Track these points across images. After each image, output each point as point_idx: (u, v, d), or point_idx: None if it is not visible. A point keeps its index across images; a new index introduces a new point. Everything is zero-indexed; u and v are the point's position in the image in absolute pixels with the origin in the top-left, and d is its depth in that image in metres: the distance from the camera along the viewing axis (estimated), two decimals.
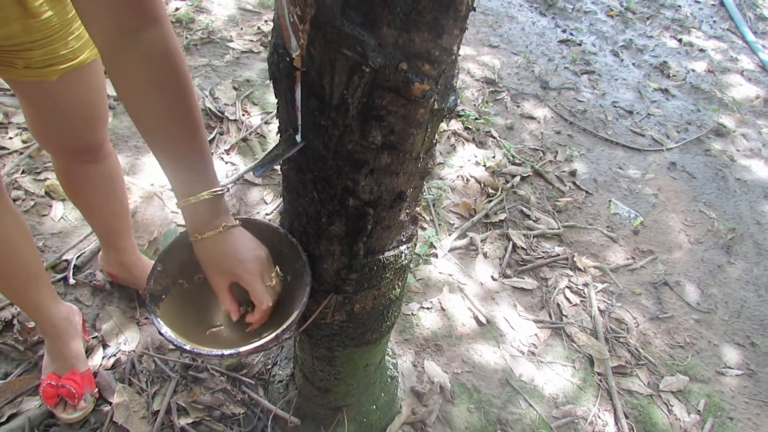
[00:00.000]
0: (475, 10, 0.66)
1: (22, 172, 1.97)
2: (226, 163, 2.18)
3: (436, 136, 0.81)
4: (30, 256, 1.21)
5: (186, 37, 2.60)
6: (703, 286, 2.20)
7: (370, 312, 1.04)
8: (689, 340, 2.01)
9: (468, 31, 3.30)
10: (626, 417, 1.73)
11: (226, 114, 2.31)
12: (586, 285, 2.07)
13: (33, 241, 1.25)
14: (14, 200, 1.86)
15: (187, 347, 0.80)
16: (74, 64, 0.99)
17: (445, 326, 1.86)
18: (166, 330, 0.81)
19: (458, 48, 0.69)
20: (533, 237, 2.19)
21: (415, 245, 0.99)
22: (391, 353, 1.57)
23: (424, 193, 2.21)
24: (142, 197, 2.01)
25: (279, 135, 0.79)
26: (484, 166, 2.44)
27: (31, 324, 1.58)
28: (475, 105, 2.73)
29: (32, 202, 1.89)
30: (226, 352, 0.79)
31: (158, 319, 0.83)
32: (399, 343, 1.80)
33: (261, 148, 2.24)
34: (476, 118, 2.62)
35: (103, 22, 0.71)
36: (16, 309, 1.59)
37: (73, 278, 1.70)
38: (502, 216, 2.24)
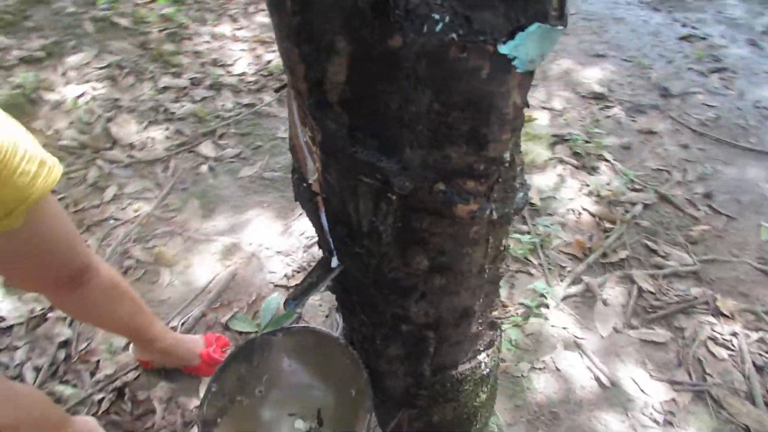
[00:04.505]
0: (528, 107, 0.51)
1: (134, 240, 2.08)
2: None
3: (505, 241, 0.66)
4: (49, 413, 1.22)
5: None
6: None
7: (452, 421, 0.90)
8: None
9: (568, 41, 3.03)
10: None
11: None
12: (734, 334, 1.73)
13: (46, 400, 1.24)
14: (125, 269, 1.97)
15: None
16: (31, 201, 0.92)
17: (562, 390, 1.64)
18: None
19: (514, 149, 0.55)
20: (662, 277, 1.89)
21: (499, 349, 0.84)
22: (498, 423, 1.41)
23: (529, 236, 2.01)
24: (242, 258, 2.03)
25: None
26: (598, 195, 2.18)
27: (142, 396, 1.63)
28: (582, 126, 2.47)
29: (143, 271, 1.98)
30: None
31: None
32: (508, 410, 1.62)
33: None
34: (585, 141, 2.36)
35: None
36: (127, 377, 1.66)
37: None
38: (623, 254, 1.97)
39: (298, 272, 1.98)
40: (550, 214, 2.13)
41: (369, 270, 0.60)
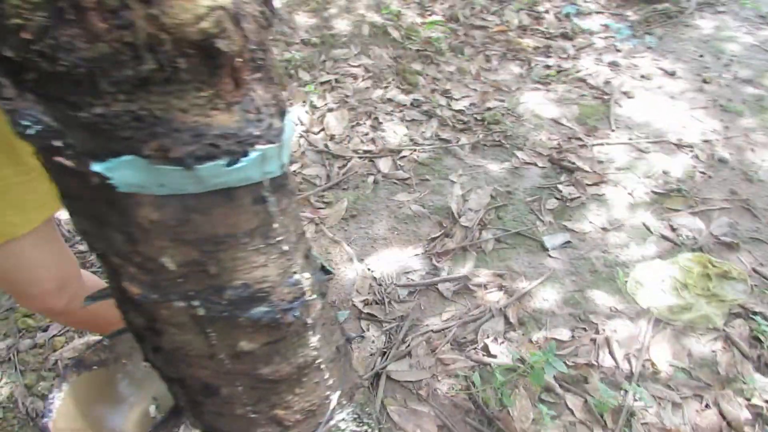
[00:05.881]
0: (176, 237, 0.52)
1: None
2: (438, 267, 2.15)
3: (249, 345, 0.65)
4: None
5: (478, 135, 2.69)
6: None
7: None
8: None
9: None
10: None
11: (461, 219, 2.29)
12: None
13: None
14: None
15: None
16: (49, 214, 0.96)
17: None
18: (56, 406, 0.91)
19: (188, 265, 0.56)
20: None
21: None
22: None
23: (622, 396, 1.68)
24: (347, 267, 2.18)
25: None
26: (748, 400, 1.68)
27: None
28: None
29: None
30: None
31: (64, 385, 0.94)
32: None
33: (476, 258, 2.13)
34: None
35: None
36: None
37: None
38: None
39: (377, 303, 2.05)
40: (669, 388, 1.73)
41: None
